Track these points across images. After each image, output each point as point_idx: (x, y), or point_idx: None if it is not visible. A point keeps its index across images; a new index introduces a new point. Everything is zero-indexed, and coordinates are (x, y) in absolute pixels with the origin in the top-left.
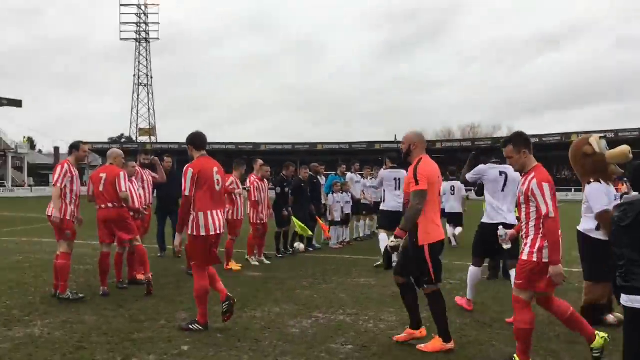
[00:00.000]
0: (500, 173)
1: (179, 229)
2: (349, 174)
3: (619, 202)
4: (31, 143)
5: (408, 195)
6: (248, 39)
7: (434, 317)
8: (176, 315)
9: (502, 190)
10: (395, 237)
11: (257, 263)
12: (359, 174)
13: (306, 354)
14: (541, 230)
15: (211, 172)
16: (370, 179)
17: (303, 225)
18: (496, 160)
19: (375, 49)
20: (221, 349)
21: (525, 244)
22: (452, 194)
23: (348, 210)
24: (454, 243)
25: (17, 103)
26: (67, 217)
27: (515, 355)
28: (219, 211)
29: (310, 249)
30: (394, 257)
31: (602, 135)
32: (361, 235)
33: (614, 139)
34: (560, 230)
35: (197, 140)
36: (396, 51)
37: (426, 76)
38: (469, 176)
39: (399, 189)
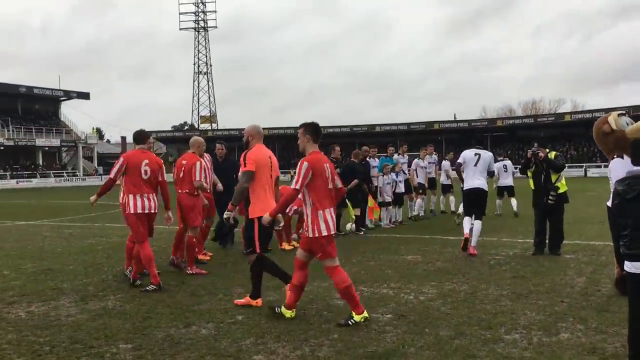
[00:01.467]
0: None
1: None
2: (395, 156)
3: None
4: (99, 133)
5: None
6: (311, 22)
7: (251, 277)
8: (232, 290)
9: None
10: (227, 210)
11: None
12: (408, 155)
13: None
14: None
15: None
16: (426, 160)
17: (350, 208)
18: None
19: (441, 25)
20: (271, 319)
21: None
22: (504, 171)
23: (401, 189)
24: (499, 212)
25: (85, 95)
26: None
27: (352, 312)
28: (150, 195)
29: (362, 230)
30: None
31: (622, 112)
32: (415, 214)
33: None
34: (302, 201)
35: (136, 135)
36: (463, 27)
37: (493, 52)
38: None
39: (477, 165)
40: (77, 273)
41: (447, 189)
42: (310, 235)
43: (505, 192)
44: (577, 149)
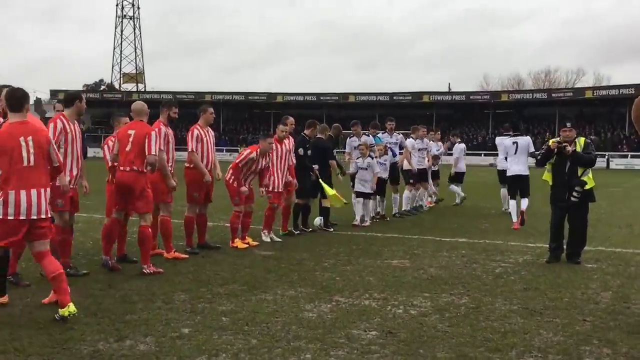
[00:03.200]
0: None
1: None
2: (380, 134)
3: None
4: None
5: None
6: None
7: None
8: (173, 296)
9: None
10: None
11: (269, 240)
12: (398, 134)
13: (323, 339)
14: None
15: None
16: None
17: (336, 194)
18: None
19: None
20: (226, 333)
21: None
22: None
23: (384, 176)
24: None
25: None
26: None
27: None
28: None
29: (332, 227)
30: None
31: None
32: (405, 209)
33: None
34: None
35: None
36: None
37: (505, 8)
38: None
39: (517, 153)
40: None
41: (435, 176)
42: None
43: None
44: (598, 134)
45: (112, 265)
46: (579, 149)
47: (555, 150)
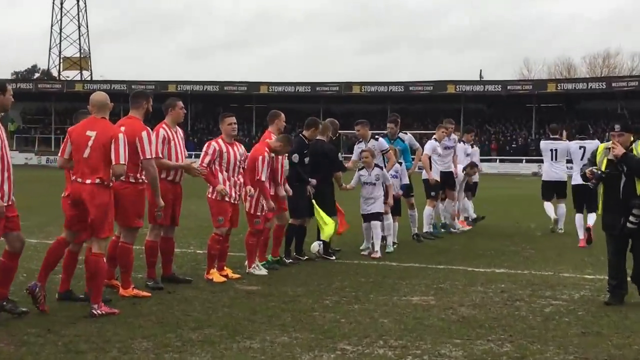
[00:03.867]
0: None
1: None
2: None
3: None
4: None
5: None
6: None
7: None
8: (133, 344)
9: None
10: None
11: (264, 272)
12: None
13: None
14: None
15: None
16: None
17: (325, 217)
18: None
19: None
20: None
21: None
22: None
23: (396, 190)
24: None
25: None
26: None
27: None
28: None
29: (335, 254)
30: None
31: None
32: (426, 230)
33: None
34: None
35: None
36: None
37: None
38: None
39: (555, 159)
40: None
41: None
42: None
43: (555, 192)
44: None
45: (37, 296)
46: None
47: (605, 161)
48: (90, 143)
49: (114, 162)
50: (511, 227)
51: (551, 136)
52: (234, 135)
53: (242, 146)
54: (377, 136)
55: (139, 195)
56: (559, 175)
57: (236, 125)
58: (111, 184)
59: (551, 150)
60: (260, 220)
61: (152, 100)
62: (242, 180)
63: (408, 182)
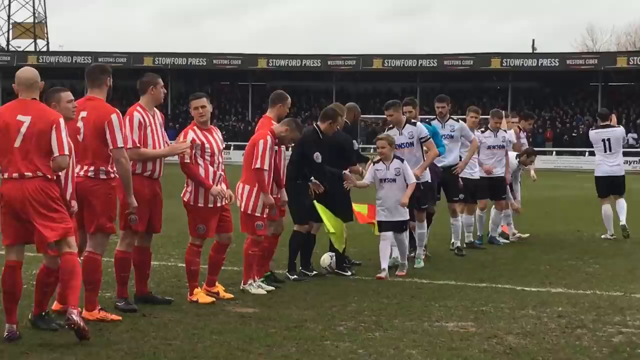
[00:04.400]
0: None
1: None
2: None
3: None
4: None
5: None
6: None
7: None
8: None
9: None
10: None
11: (262, 291)
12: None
13: None
14: None
15: None
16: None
17: (331, 222)
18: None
19: None
20: None
21: None
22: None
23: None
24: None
25: None
26: None
27: None
28: None
29: (351, 269)
30: None
31: None
32: (458, 243)
33: None
34: None
35: None
36: None
37: None
38: None
39: (610, 150)
40: None
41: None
42: None
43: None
44: None
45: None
46: None
47: None
48: (22, 129)
49: (57, 153)
50: (571, 236)
51: (601, 123)
52: (205, 122)
53: (219, 130)
54: (415, 121)
55: (111, 193)
56: (614, 170)
57: (205, 110)
58: (55, 177)
59: (603, 140)
60: (263, 223)
61: (116, 77)
62: (224, 174)
63: (429, 181)
